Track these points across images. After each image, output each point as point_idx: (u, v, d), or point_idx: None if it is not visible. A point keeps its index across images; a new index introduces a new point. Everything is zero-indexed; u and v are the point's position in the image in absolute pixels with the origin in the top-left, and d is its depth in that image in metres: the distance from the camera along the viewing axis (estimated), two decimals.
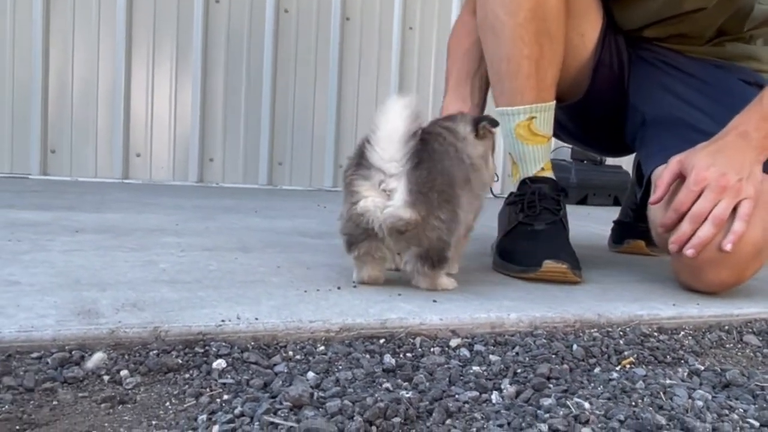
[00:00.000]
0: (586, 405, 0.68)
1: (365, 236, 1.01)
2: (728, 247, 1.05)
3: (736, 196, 1.06)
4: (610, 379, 0.79)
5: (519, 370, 0.79)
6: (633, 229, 1.65)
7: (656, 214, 1.17)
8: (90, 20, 3.02)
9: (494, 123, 1.17)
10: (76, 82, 3.04)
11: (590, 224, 2.44)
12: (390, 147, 0.95)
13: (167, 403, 0.66)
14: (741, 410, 0.73)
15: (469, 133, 1.13)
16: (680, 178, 1.11)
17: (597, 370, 0.83)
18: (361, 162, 0.99)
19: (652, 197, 1.13)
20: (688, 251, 1.07)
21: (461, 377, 0.76)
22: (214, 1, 3.17)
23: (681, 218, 1.09)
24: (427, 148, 1.01)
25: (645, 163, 1.30)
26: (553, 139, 1.43)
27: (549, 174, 1.34)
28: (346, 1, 3.37)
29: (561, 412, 0.66)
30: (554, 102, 1.32)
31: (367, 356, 0.80)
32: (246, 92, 3.26)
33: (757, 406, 0.74)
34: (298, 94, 3.35)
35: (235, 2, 3.21)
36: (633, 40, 1.41)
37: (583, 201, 3.47)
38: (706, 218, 1.06)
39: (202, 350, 0.77)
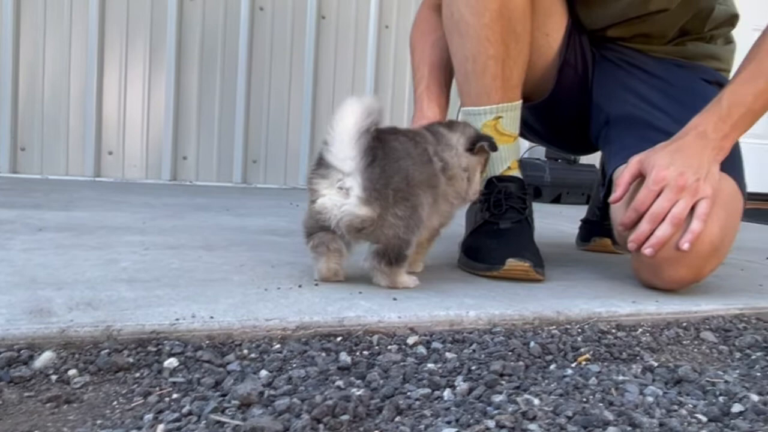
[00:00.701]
0: (536, 401, 0.69)
1: (321, 228, 1.03)
2: (685, 246, 1.07)
3: (694, 196, 1.08)
4: (564, 376, 0.79)
5: (474, 368, 0.79)
6: (599, 227, 1.66)
7: (617, 213, 1.18)
8: (62, 16, 2.98)
9: (493, 147, 1.18)
10: (47, 78, 2.99)
11: (562, 223, 2.46)
12: (343, 145, 0.98)
13: (114, 403, 0.66)
14: (690, 405, 0.74)
15: (461, 144, 1.15)
16: (640, 177, 1.13)
17: (552, 366, 0.84)
18: (320, 162, 1.01)
19: (612, 196, 1.15)
20: (647, 250, 1.09)
21: (416, 375, 0.76)
22: None
23: (641, 217, 1.10)
24: (385, 146, 1.02)
25: (608, 162, 1.32)
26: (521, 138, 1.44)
27: (516, 173, 1.35)
28: (321, 0, 3.37)
29: (510, 409, 0.67)
30: (520, 101, 1.33)
31: (323, 354, 0.80)
32: (220, 90, 3.24)
33: (706, 401, 0.75)
34: (273, 92, 3.33)
35: (209, 0, 3.18)
36: (597, 40, 1.42)
37: (557, 200, 3.49)
38: (664, 217, 1.08)
39: (155, 349, 0.76)
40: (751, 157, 4.69)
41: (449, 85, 1.40)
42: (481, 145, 1.16)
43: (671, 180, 1.07)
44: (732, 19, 1.41)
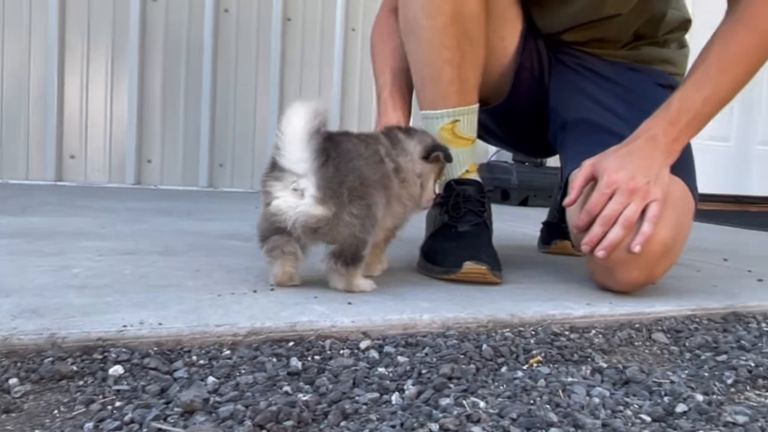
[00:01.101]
0: (482, 404, 0.70)
1: (276, 231, 1.03)
2: (637, 248, 1.09)
3: (645, 199, 1.10)
4: (514, 378, 0.80)
5: (424, 371, 0.80)
6: (559, 230, 1.68)
7: (572, 216, 1.20)
8: (20, 15, 2.93)
9: (448, 158, 1.20)
10: (6, 80, 2.94)
11: (528, 225, 2.48)
12: (294, 148, 0.99)
13: (55, 411, 0.65)
14: (636, 406, 0.75)
15: (417, 152, 1.16)
16: (593, 180, 1.14)
17: (504, 369, 0.85)
18: (273, 165, 1.02)
19: (566, 200, 1.16)
20: (599, 252, 1.11)
21: (366, 379, 0.77)
22: None
23: (594, 220, 1.12)
24: (338, 147, 1.03)
25: (563, 165, 1.34)
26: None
27: (474, 176, 1.36)
28: (287, 2, 3.36)
29: (455, 412, 0.67)
30: (477, 105, 1.34)
31: (274, 360, 0.80)
32: (185, 93, 3.21)
33: (651, 401, 0.76)
34: (239, 95, 3.31)
35: (172, 1, 3.15)
36: (553, 44, 1.44)
37: (524, 202, 3.53)
38: (616, 220, 1.09)
39: (100, 357, 0.76)
40: (710, 159, 4.80)
41: (411, 90, 1.41)
42: (436, 154, 1.18)
43: (622, 183, 1.09)
44: (685, 24, 1.44)
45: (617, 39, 1.39)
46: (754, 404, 0.80)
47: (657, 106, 1.19)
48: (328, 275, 1.07)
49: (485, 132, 1.52)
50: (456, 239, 1.26)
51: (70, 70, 3.03)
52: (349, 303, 1.00)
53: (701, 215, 3.47)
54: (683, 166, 1.19)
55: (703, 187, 4.59)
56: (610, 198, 1.10)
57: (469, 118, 1.32)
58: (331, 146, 1.01)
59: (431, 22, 1.23)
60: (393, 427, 0.64)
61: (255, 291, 1.04)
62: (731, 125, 4.64)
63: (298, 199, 1.00)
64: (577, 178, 1.15)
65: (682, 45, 1.47)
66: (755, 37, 1.17)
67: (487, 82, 1.36)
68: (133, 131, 3.12)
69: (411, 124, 1.34)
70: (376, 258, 1.20)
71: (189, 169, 3.24)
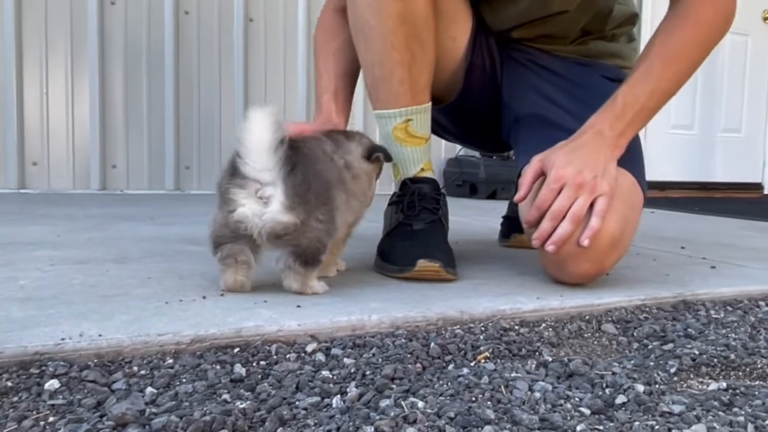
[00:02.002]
0: (420, 404, 0.70)
1: (232, 239, 1.03)
2: (585, 242, 1.10)
3: (592, 193, 1.11)
4: (459, 376, 0.80)
5: (368, 372, 0.80)
6: (518, 224, 1.69)
7: (523, 211, 1.20)
8: None
9: (388, 158, 1.24)
10: None
11: (493, 219, 2.48)
12: (260, 157, 0.98)
13: None
14: (577, 399, 0.76)
15: (358, 152, 1.18)
16: (543, 176, 1.15)
17: (450, 367, 0.85)
18: (235, 172, 1.01)
19: (516, 195, 1.17)
20: (549, 247, 1.11)
21: (309, 383, 0.76)
22: (109, 2, 3.07)
23: (543, 215, 1.13)
24: (299, 153, 1.04)
25: (516, 160, 1.35)
26: None
27: (429, 174, 1.36)
28: (249, 2, 3.33)
29: (392, 413, 0.67)
30: (429, 104, 1.34)
31: (217, 367, 0.79)
32: (147, 96, 3.18)
33: (592, 394, 0.77)
34: (203, 95, 3.29)
35: (131, 3, 3.12)
36: (503, 41, 1.44)
37: (492, 196, 3.55)
38: (565, 215, 1.10)
39: (37, 371, 0.74)
40: (675, 148, 4.88)
41: (353, 93, 1.39)
42: (377, 156, 1.21)
43: (570, 178, 1.10)
44: (632, 18, 1.45)
45: (565, 35, 1.40)
46: (695, 392, 0.81)
47: (604, 99, 1.20)
48: (282, 274, 1.06)
49: (441, 129, 1.53)
50: (410, 237, 1.27)
51: (28, 76, 2.98)
52: (298, 306, 0.99)
53: (666, 203, 3.52)
54: (631, 159, 1.20)
55: (669, 175, 4.67)
56: (559, 193, 1.11)
57: (421, 116, 1.32)
58: (293, 153, 1.01)
59: (379, 23, 1.22)
60: (329, 431, 0.64)
61: (204, 297, 1.03)
62: (694, 114, 4.71)
63: (263, 207, 0.99)
64: (526, 174, 1.16)
65: (631, 39, 1.48)
66: (696, 32, 1.18)
67: (439, 81, 1.36)
68: (96, 136, 3.08)
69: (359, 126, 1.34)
70: (334, 257, 1.20)
71: (155, 172, 3.21)
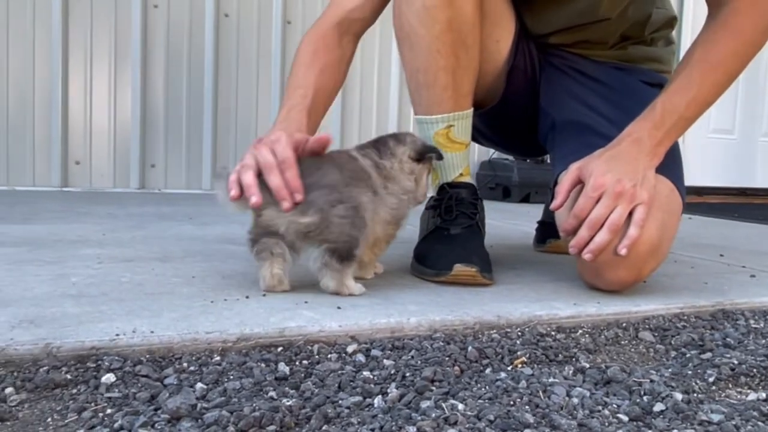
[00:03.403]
0: (460, 406, 0.72)
1: (266, 235, 1.08)
2: (623, 252, 1.10)
3: (631, 202, 1.11)
4: (497, 380, 0.82)
5: (408, 374, 0.82)
6: (554, 229, 1.69)
7: (560, 219, 1.21)
8: (24, 26, 2.97)
9: (440, 157, 1.28)
10: (11, 88, 2.99)
11: (528, 223, 2.49)
12: None
13: (48, 420, 0.67)
14: (614, 406, 0.77)
15: (407, 154, 1.21)
16: (580, 183, 1.16)
17: (488, 371, 0.87)
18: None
19: (553, 203, 1.18)
20: (586, 255, 1.12)
21: (351, 383, 0.79)
22: (152, 5, 3.15)
23: (581, 223, 1.13)
24: (301, 165, 1.08)
25: (552, 166, 1.35)
26: None
27: (467, 179, 1.38)
28: (287, 5, 3.38)
29: (434, 414, 0.69)
30: (471, 110, 1.35)
31: (262, 365, 0.82)
32: (187, 97, 3.25)
33: (630, 401, 0.78)
34: (241, 97, 3.35)
35: (174, 6, 3.19)
36: (541, 47, 1.45)
37: (525, 199, 3.54)
38: (603, 224, 1.11)
39: (93, 365, 0.78)
40: (715, 153, 4.79)
41: (325, 112, 1.33)
42: (430, 156, 1.25)
43: (609, 187, 1.11)
44: (671, 22, 1.45)
45: (604, 41, 1.40)
46: (734, 402, 0.81)
47: (644, 105, 1.21)
48: (319, 273, 1.09)
49: (478, 134, 1.54)
50: (447, 242, 1.28)
51: (73, 77, 3.07)
52: (338, 308, 1.02)
53: (704, 209, 3.48)
54: (670, 165, 1.20)
55: (708, 181, 4.59)
56: (597, 201, 1.12)
57: (463, 122, 1.34)
58: (304, 166, 1.07)
59: (426, 31, 1.24)
60: (372, 430, 0.66)
61: (247, 297, 1.06)
62: (735, 118, 4.64)
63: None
64: (563, 182, 1.17)
65: (669, 42, 1.48)
66: (736, 44, 1.19)
67: (482, 85, 1.37)
68: (136, 136, 3.16)
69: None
70: (373, 259, 1.24)
71: (192, 172, 3.28)
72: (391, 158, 1.19)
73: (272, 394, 0.74)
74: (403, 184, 1.20)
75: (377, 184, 1.15)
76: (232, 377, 0.78)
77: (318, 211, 1.05)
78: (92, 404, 0.70)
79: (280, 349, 0.88)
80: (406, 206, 1.23)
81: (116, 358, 0.79)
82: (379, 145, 1.20)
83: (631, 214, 1.12)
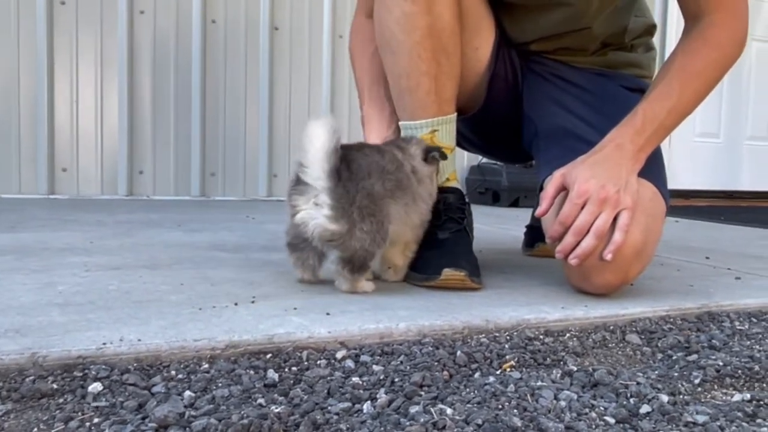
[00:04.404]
0: (449, 411, 0.72)
1: (302, 244, 1.18)
2: (608, 257, 1.12)
3: (615, 208, 1.13)
4: (485, 384, 0.83)
5: (397, 379, 0.82)
6: (543, 233, 1.70)
7: (546, 225, 1.22)
8: (9, 31, 2.96)
9: (443, 156, 1.30)
10: None
11: (517, 227, 2.50)
12: (314, 167, 1.10)
13: (35, 429, 0.67)
14: (601, 408, 0.77)
15: (418, 154, 1.27)
16: (564, 190, 1.17)
17: (477, 375, 0.87)
18: (298, 180, 1.13)
19: (538, 210, 1.19)
20: (572, 260, 1.13)
21: (340, 389, 0.79)
22: (138, 11, 3.14)
23: (567, 229, 1.15)
24: (351, 165, 1.13)
25: (537, 171, 1.37)
26: None
27: (454, 184, 1.39)
28: (274, 11, 3.38)
29: (422, 419, 0.69)
30: (455, 114, 1.36)
31: (251, 372, 0.82)
32: (175, 103, 3.24)
33: (617, 403, 0.79)
34: (229, 103, 3.34)
35: (160, 12, 3.18)
36: (522, 54, 1.47)
37: (514, 204, 3.56)
38: (589, 230, 1.12)
39: (80, 374, 0.78)
40: (701, 156, 4.83)
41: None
42: (433, 155, 1.28)
43: (593, 193, 1.12)
44: (650, 29, 1.48)
45: (585, 47, 1.42)
46: (719, 403, 0.82)
47: (626, 111, 1.22)
48: (335, 276, 1.19)
49: (464, 140, 1.55)
50: (436, 247, 1.29)
51: (59, 84, 3.05)
52: (327, 314, 1.02)
53: (691, 212, 3.51)
54: (652, 169, 1.22)
55: (693, 184, 4.62)
56: (582, 207, 1.13)
57: (447, 127, 1.35)
58: (343, 166, 1.11)
59: (407, 37, 1.25)
60: None
61: (236, 304, 1.06)
62: (720, 122, 4.68)
63: (317, 212, 1.11)
64: (548, 188, 1.18)
65: (649, 48, 1.50)
66: (715, 55, 1.22)
67: (463, 92, 1.38)
68: (124, 143, 3.15)
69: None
70: (406, 263, 1.28)
71: (181, 178, 3.27)
72: (414, 159, 1.24)
73: (261, 401, 0.74)
74: (428, 187, 1.26)
75: (415, 191, 1.21)
76: (220, 385, 0.78)
77: (348, 221, 1.10)
78: (79, 414, 0.70)
79: (269, 356, 0.88)
80: (429, 209, 1.28)
81: (103, 366, 0.79)
82: (401, 145, 1.26)
83: (615, 219, 1.13)
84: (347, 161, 1.12)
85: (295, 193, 1.13)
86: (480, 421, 0.70)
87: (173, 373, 0.81)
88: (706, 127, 4.56)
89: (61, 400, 0.73)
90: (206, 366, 0.83)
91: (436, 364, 0.88)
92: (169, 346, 0.84)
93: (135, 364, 0.81)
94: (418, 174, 1.23)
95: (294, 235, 1.18)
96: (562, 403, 0.77)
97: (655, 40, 1.54)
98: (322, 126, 1.08)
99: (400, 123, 1.37)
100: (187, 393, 0.75)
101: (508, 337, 1.01)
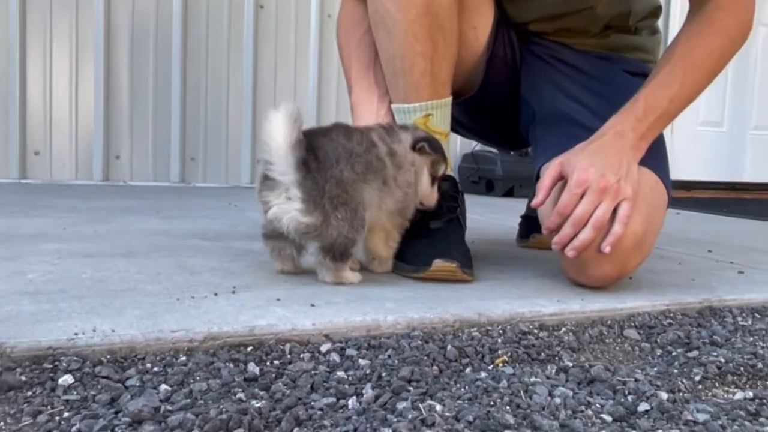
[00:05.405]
0: (438, 407, 0.72)
1: (276, 235, 1.18)
2: (607, 249, 1.12)
3: (616, 198, 1.12)
4: (477, 380, 0.83)
5: (384, 374, 0.82)
6: (538, 223, 1.70)
7: (542, 216, 1.22)
8: None
9: (434, 148, 1.26)
10: None
11: (510, 218, 2.50)
12: (279, 162, 1.09)
13: (1, 424, 0.66)
14: (598, 405, 0.77)
15: (408, 142, 1.24)
16: (562, 179, 1.17)
17: (468, 370, 0.87)
18: (266, 176, 1.13)
19: (534, 200, 1.18)
20: (569, 252, 1.13)
21: (324, 384, 0.79)
22: None
23: (565, 221, 1.14)
24: (318, 152, 1.12)
25: (534, 159, 1.36)
26: None
27: (447, 171, 1.38)
28: None
29: (410, 416, 0.69)
30: (450, 98, 1.36)
31: (231, 365, 0.82)
32: (154, 84, 3.21)
33: (614, 400, 0.79)
34: (211, 84, 3.31)
35: None
36: (521, 34, 1.46)
37: (509, 193, 3.56)
38: (587, 221, 1.12)
39: (50, 366, 0.77)
40: (704, 146, 4.83)
41: (384, 81, 1.41)
42: (422, 145, 1.25)
43: (593, 182, 1.12)
44: (656, 11, 1.47)
45: (586, 29, 1.41)
46: (720, 401, 0.82)
47: (627, 96, 1.22)
48: (317, 268, 1.18)
49: (458, 125, 1.54)
50: (427, 236, 1.29)
51: (32, 64, 3.02)
52: (312, 305, 1.02)
53: (693, 204, 3.52)
54: (654, 157, 1.22)
55: (696, 174, 4.61)
56: (581, 197, 1.13)
57: (442, 111, 1.34)
58: (311, 157, 1.10)
59: (402, 15, 1.24)
60: None
61: (216, 294, 1.05)
62: (724, 110, 4.69)
63: (290, 206, 1.11)
64: (545, 178, 1.17)
65: (654, 31, 1.50)
66: (720, 42, 1.22)
67: (459, 73, 1.37)
68: (99, 125, 3.12)
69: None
70: (390, 253, 1.28)
71: (159, 164, 3.24)
72: (399, 144, 1.23)
73: (241, 395, 0.73)
74: (407, 175, 1.23)
75: (389, 174, 1.19)
76: (198, 378, 0.77)
77: (321, 212, 1.10)
78: (48, 407, 0.69)
79: (249, 348, 0.87)
80: (410, 200, 1.25)
81: (75, 358, 0.78)
82: (387, 128, 1.24)
83: (615, 209, 1.13)
84: (314, 149, 1.12)
85: (265, 188, 1.13)
86: (471, 418, 0.70)
87: (148, 365, 0.80)
88: (709, 115, 4.57)
89: (29, 393, 0.72)
90: (183, 359, 0.83)
91: (425, 358, 0.88)
92: (145, 338, 0.83)
93: (108, 356, 0.81)
94: (396, 158, 1.20)
95: (270, 229, 1.18)
96: (557, 400, 0.77)
97: (659, 22, 1.53)
98: (281, 118, 1.07)
99: (392, 106, 1.35)
100: (163, 387, 0.74)
101: (501, 331, 1.01)
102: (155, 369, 0.79)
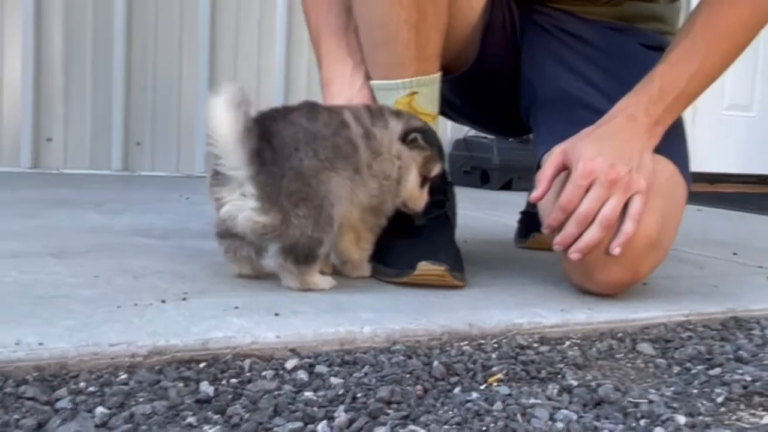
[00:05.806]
0: None
1: (231, 234, 1.18)
2: (616, 251, 1.12)
3: (627, 191, 1.13)
4: (467, 401, 0.83)
5: (359, 395, 0.82)
6: (539, 221, 1.71)
7: (543, 211, 1.22)
8: None
9: (428, 140, 1.25)
10: None
11: (507, 214, 2.51)
12: (228, 156, 1.09)
13: None
14: (606, 431, 0.78)
15: (397, 131, 1.24)
16: (565, 169, 1.17)
17: (457, 390, 0.88)
18: (216, 171, 1.13)
19: (534, 193, 1.19)
20: (573, 255, 1.14)
21: (290, 406, 0.78)
22: None
23: (569, 217, 1.15)
24: (273, 141, 1.11)
25: (535, 146, 1.37)
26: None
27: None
28: None
29: None
30: (439, 74, 1.35)
31: (180, 384, 0.82)
32: (92, 55, 3.20)
33: (625, 425, 0.80)
34: (160, 56, 3.30)
35: None
36: (523, 1, 1.46)
37: (507, 186, 3.58)
38: (594, 218, 1.12)
39: None
40: (730, 133, 4.86)
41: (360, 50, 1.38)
42: (414, 136, 1.23)
43: (601, 174, 1.12)
44: None
45: None
46: (746, 425, 0.83)
47: (643, 73, 1.23)
48: (279, 273, 1.18)
49: (448, 107, 1.54)
50: (411, 235, 1.29)
51: None
52: (276, 314, 1.02)
53: (716, 199, 3.56)
54: (671, 143, 1.23)
55: (720, 166, 4.66)
56: (587, 190, 1.13)
57: (429, 89, 1.34)
58: (265, 146, 1.09)
59: None
60: None
61: (163, 301, 1.05)
62: (753, 92, 4.72)
63: (244, 203, 1.10)
64: (546, 168, 1.18)
65: None
66: (748, 11, 1.22)
67: (451, 45, 1.37)
68: (28, 104, 3.11)
69: None
70: (363, 256, 1.28)
71: (99, 148, 3.23)
72: (383, 129, 1.21)
73: (191, 420, 0.73)
74: (385, 165, 1.22)
75: (362, 161, 1.18)
76: (141, 400, 0.77)
77: (279, 211, 1.10)
78: None
79: (202, 365, 0.87)
80: (387, 195, 1.24)
81: None
82: (374, 109, 1.24)
83: (626, 205, 1.14)
84: (269, 136, 1.11)
85: (216, 183, 1.13)
86: None
87: (82, 385, 0.80)
88: (736, 98, 4.61)
89: None
90: (124, 377, 0.82)
91: (407, 376, 0.88)
92: (78, 352, 0.83)
93: (35, 374, 0.80)
94: (374, 142, 1.20)
95: (224, 228, 1.18)
96: (560, 425, 0.78)
97: None
98: (223, 104, 1.06)
99: (372, 83, 1.35)
100: (100, 409, 0.74)
101: (495, 345, 1.02)
102: (90, 389, 0.79)
